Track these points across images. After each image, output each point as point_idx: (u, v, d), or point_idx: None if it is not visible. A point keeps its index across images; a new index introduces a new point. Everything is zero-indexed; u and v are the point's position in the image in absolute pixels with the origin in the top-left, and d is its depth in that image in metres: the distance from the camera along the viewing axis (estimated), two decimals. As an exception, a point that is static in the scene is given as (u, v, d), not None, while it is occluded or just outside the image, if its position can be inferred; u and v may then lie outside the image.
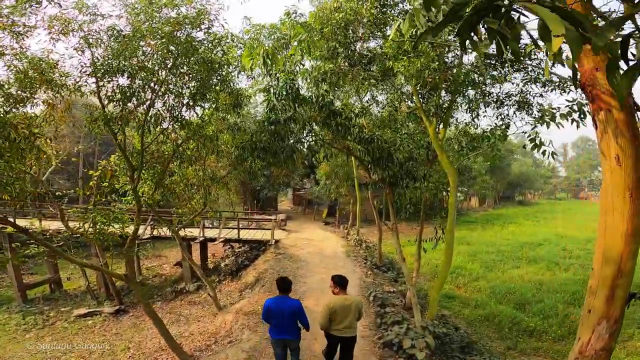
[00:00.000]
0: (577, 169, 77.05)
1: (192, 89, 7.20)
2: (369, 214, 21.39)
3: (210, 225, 15.71)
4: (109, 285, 13.92)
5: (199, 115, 8.06)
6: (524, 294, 11.00)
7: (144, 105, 6.18)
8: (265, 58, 4.17)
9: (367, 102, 11.00)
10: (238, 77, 8.40)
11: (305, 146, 6.25)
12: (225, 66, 7.20)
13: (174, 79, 6.84)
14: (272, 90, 5.33)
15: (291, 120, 5.54)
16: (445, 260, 6.17)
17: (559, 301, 10.35)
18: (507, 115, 6.18)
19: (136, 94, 6.13)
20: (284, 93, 5.08)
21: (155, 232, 13.75)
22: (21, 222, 6.37)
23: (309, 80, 5.90)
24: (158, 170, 8.44)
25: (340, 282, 4.79)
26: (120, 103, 6.02)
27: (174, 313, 12.03)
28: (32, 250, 7.21)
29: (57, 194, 8.32)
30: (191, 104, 7.31)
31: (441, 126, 6.00)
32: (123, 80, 6.29)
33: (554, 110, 4.89)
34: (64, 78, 6.08)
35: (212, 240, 12.69)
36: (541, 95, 6.28)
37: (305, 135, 6.13)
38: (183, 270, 13.81)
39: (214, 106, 8.50)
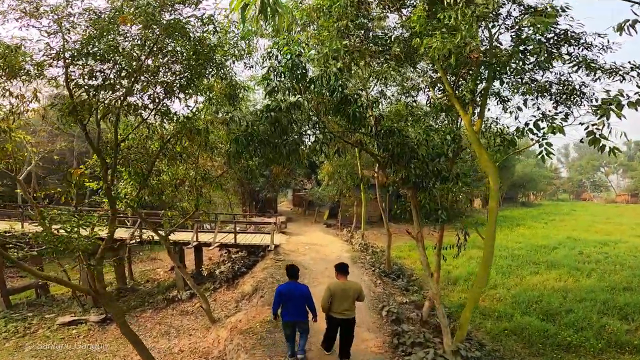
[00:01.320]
0: (580, 169, 76.19)
1: (179, 75, 6.24)
2: (372, 215, 20.43)
3: (206, 229, 14.75)
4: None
5: (191, 108, 7.13)
6: (550, 303, 10.04)
7: (119, 93, 5.22)
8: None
9: (375, 95, 10.07)
10: (234, 64, 7.45)
11: (311, 140, 5.30)
12: (219, 48, 6.24)
13: (156, 63, 5.88)
14: (272, 68, 4.36)
15: (295, 107, 4.57)
16: (482, 273, 5.19)
17: (591, 310, 9.40)
18: (560, 104, 5.17)
19: (110, 79, 5.18)
20: (287, 72, 4.13)
21: (145, 236, 12.82)
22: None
23: (316, 62, 4.92)
24: (143, 168, 7.49)
25: (341, 269, 5.25)
26: (91, 89, 5.07)
27: (164, 324, 11.04)
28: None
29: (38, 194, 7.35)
30: (179, 93, 6.35)
31: (476, 117, 5.03)
32: (98, 66, 5.35)
33: (623, 97, 3.94)
34: (25, 63, 5.14)
35: (207, 245, 11.70)
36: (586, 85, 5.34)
37: (312, 126, 5.17)
38: (176, 277, 12.83)
39: (207, 97, 7.55)
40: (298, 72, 4.20)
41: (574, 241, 19.47)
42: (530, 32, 4.61)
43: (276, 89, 4.41)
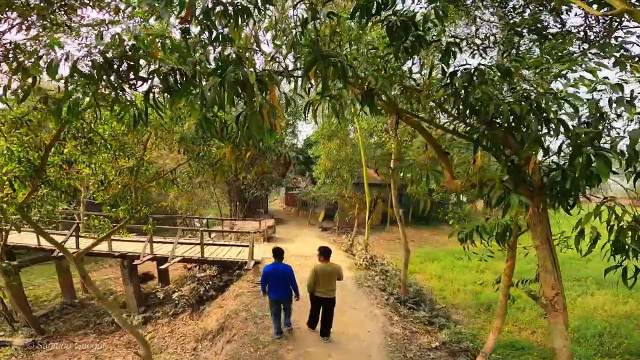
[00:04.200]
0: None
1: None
2: (372, 219, 17.67)
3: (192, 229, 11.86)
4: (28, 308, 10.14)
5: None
6: (630, 337, 7.51)
7: None
8: None
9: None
10: None
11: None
12: None
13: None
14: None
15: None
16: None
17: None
18: None
19: None
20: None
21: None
22: None
23: None
24: (33, 156, 4.72)
25: (324, 253, 5.62)
26: None
27: (102, 361, 8.29)
28: None
29: None
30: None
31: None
32: None
33: None
34: None
35: (163, 260, 8.88)
36: None
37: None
38: (127, 296, 10.01)
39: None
40: None
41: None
42: None
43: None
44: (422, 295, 9.18)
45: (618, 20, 4.20)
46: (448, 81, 2.87)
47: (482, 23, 5.83)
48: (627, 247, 2.70)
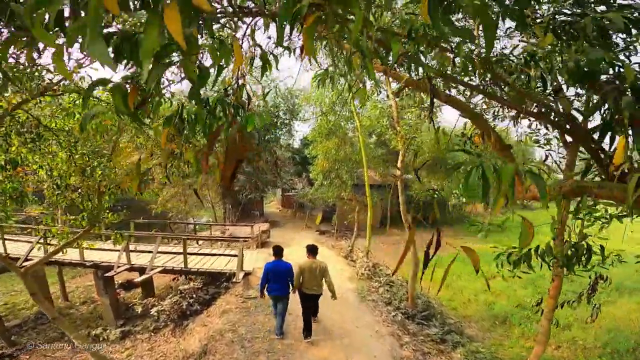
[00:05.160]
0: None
1: None
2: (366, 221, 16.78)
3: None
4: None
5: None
6: None
7: None
8: None
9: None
10: None
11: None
12: None
13: None
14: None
15: None
16: None
17: None
18: None
19: None
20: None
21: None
22: None
23: None
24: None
25: (311, 250, 5.77)
26: None
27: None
28: None
29: None
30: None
31: None
32: None
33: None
34: None
35: (141, 270, 7.90)
36: None
37: None
38: (103, 308, 9.03)
39: None
40: None
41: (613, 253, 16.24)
42: None
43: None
44: (432, 309, 8.28)
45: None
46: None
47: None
48: None
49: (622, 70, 1.71)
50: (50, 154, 4.59)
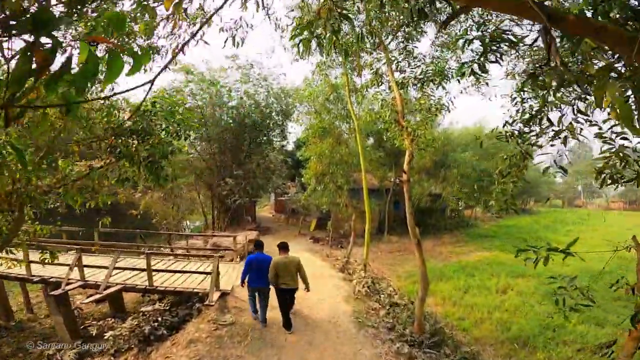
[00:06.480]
0: (575, 174, 73.67)
1: None
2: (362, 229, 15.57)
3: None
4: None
5: None
6: None
7: None
8: None
9: None
10: None
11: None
12: None
13: None
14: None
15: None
16: None
17: None
18: None
19: None
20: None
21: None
22: None
23: None
24: None
25: (282, 247, 6.09)
26: None
27: None
28: None
29: None
30: None
31: None
32: None
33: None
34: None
35: (95, 287, 6.59)
36: None
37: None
38: (57, 328, 7.67)
39: None
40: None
41: (628, 262, 15.20)
42: None
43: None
44: (441, 333, 7.07)
45: None
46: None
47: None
48: None
49: None
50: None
